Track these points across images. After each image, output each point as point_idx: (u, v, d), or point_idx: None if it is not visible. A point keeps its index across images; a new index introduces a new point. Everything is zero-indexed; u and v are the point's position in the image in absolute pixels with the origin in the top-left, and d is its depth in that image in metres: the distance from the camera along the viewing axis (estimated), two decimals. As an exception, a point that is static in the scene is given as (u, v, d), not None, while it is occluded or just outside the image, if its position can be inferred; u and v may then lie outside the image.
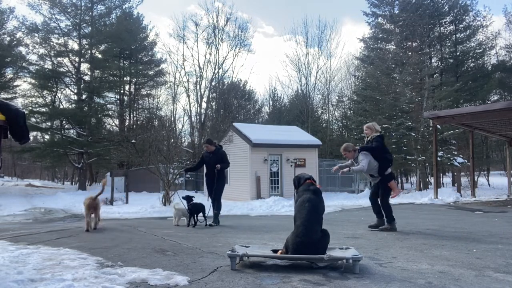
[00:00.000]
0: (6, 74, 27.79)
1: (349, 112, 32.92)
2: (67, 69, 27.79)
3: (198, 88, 31.61)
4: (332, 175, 21.51)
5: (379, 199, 6.11)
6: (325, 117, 36.55)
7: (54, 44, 27.62)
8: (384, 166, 5.98)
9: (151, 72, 34.83)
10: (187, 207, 7.07)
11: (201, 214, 7.09)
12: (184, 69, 36.31)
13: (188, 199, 7.12)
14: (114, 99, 32.73)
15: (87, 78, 28.72)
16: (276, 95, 40.64)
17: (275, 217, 9.94)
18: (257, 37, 71.94)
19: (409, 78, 24.39)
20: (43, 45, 27.36)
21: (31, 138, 18.89)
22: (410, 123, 21.82)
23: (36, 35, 27.44)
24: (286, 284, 2.78)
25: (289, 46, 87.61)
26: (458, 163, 19.91)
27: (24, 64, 27.56)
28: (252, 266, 3.34)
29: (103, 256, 3.85)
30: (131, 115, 35.39)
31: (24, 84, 29.52)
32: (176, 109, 35.75)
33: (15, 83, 28.92)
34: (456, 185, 19.07)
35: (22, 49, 28.54)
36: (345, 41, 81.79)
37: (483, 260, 3.68)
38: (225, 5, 57.51)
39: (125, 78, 32.76)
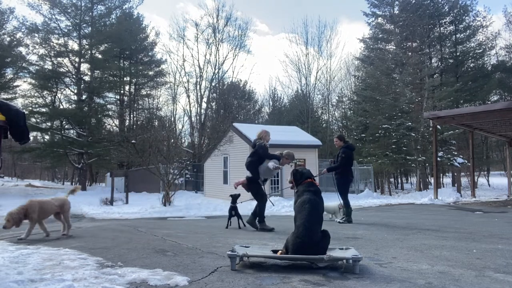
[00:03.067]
0: (6, 74, 27.81)
1: (349, 112, 32.94)
2: (67, 69, 27.81)
3: (198, 88, 31.69)
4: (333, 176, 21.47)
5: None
6: (325, 117, 36.59)
7: (54, 44, 27.65)
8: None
9: (151, 73, 34.86)
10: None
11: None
12: (184, 70, 36.46)
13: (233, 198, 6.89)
14: (114, 99, 32.76)
15: (87, 78, 28.74)
16: (276, 95, 40.71)
17: (275, 217, 9.96)
18: (251, 36, 71.93)
19: (409, 78, 24.41)
20: (43, 45, 27.38)
21: (31, 138, 18.89)
22: (410, 123, 21.83)
23: (36, 35, 27.47)
24: (286, 285, 2.78)
25: (289, 47, 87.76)
26: (458, 163, 19.92)
27: (24, 64, 27.59)
28: (252, 267, 3.34)
29: (103, 256, 3.85)
30: (131, 116, 35.41)
31: (24, 85, 29.61)
32: (176, 110, 35.84)
33: (15, 84, 28.97)
34: (456, 185, 19.09)
35: (22, 49, 28.60)
36: (345, 41, 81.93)
37: (483, 260, 3.68)
38: (225, 5, 57.49)
39: (125, 79, 32.79)
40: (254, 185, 6.70)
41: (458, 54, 29.01)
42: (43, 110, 28.16)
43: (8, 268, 3.20)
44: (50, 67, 27.47)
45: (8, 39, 27.79)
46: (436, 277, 3.01)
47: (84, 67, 28.87)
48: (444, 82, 27.03)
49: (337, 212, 7.88)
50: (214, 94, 34.79)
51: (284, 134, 18.90)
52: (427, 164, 23.34)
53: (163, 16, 78.60)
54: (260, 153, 6.59)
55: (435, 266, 3.41)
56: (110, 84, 30.22)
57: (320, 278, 2.95)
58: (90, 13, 28.49)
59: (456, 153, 21.55)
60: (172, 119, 29.87)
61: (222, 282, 2.84)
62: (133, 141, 16.65)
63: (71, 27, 28.15)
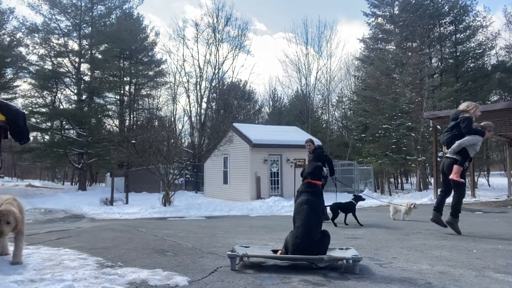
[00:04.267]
0: (6, 74, 27.83)
1: (349, 113, 32.94)
2: (67, 69, 27.82)
3: (198, 88, 31.68)
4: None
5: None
6: (325, 118, 36.58)
7: (54, 44, 27.65)
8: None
9: (151, 73, 34.87)
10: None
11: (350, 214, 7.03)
12: (184, 70, 36.38)
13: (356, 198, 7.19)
14: (114, 99, 32.78)
15: (87, 78, 28.74)
16: (276, 95, 40.72)
17: (275, 217, 9.96)
18: (251, 36, 71.74)
19: (409, 78, 24.40)
20: (43, 45, 27.39)
21: (31, 138, 18.88)
22: (410, 123, 21.82)
23: (36, 35, 27.48)
24: (286, 285, 2.78)
25: (289, 47, 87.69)
26: (458, 163, 19.88)
27: (24, 64, 27.61)
28: (252, 267, 3.34)
29: (103, 256, 3.85)
30: (131, 116, 35.42)
31: (24, 85, 29.60)
32: (176, 110, 35.88)
33: (15, 84, 29.00)
34: (456, 185, 19.05)
35: (22, 49, 28.62)
36: (345, 41, 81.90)
37: (483, 260, 3.68)
38: (225, 5, 57.43)
39: (125, 79, 32.80)
40: (457, 167, 5.51)
41: (458, 54, 29.01)
42: (43, 110, 28.17)
43: (8, 268, 3.21)
44: (50, 67, 27.48)
45: (8, 39, 27.83)
46: (436, 277, 3.01)
47: (84, 67, 28.89)
48: (444, 82, 27.02)
49: (408, 212, 7.82)
50: (214, 94, 34.79)
51: (284, 134, 18.92)
52: (427, 164, 23.34)
53: (162, 16, 78.65)
54: (461, 127, 5.49)
55: (435, 266, 3.41)
56: (110, 84, 30.23)
57: (320, 278, 2.95)
58: (90, 13, 28.49)
59: (456, 153, 21.51)
60: (172, 119, 29.91)
61: (222, 282, 2.84)
62: (133, 141, 16.67)
63: (71, 27, 28.16)
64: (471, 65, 29.55)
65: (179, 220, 9.36)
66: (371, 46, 32.14)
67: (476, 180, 21.22)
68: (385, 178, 25.85)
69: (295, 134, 19.43)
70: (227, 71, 34.52)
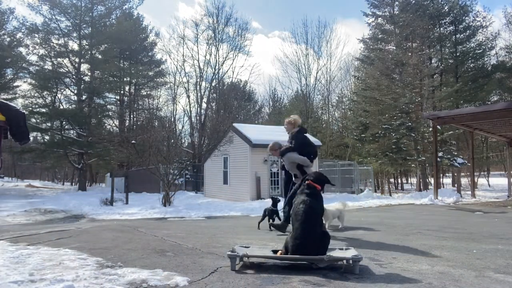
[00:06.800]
0: (6, 74, 27.86)
1: (349, 113, 32.95)
2: (67, 69, 27.84)
3: (198, 88, 31.69)
4: (333, 176, 21.46)
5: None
6: (325, 118, 36.59)
7: (54, 44, 27.67)
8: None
9: (151, 73, 34.90)
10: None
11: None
12: (184, 70, 36.36)
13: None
14: (114, 99, 32.81)
15: (87, 78, 28.76)
16: (276, 95, 40.77)
17: (275, 217, 9.92)
18: (250, 37, 71.69)
19: (409, 78, 24.39)
20: (43, 45, 27.41)
21: (31, 138, 18.89)
22: (410, 123, 21.82)
23: (36, 35, 27.50)
24: (286, 285, 2.78)
25: (289, 47, 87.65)
26: (458, 163, 19.91)
27: (24, 64, 27.64)
28: (252, 267, 3.34)
29: (103, 256, 3.85)
30: (131, 116, 35.44)
31: (24, 85, 29.63)
32: (176, 110, 35.83)
33: (15, 84, 29.07)
34: (456, 185, 19.08)
35: (22, 49, 28.67)
36: (345, 41, 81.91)
37: (483, 260, 3.68)
38: (225, 5, 57.38)
39: (125, 79, 32.81)
40: None
41: (458, 54, 28.99)
42: (43, 110, 28.19)
43: (8, 268, 3.21)
44: (50, 68, 27.50)
45: (8, 39, 27.87)
46: (436, 278, 3.01)
47: (84, 67, 28.91)
48: (444, 83, 27.01)
49: (341, 216, 6.85)
50: (214, 95, 34.81)
51: (284, 135, 18.88)
52: (427, 165, 23.35)
53: (156, 14, 78.53)
54: None
55: (435, 266, 3.41)
56: (110, 84, 30.26)
57: (320, 279, 2.95)
58: (90, 14, 28.51)
59: (456, 153, 21.54)
60: (172, 119, 29.93)
61: (222, 283, 2.84)
62: (133, 142, 16.68)
63: (71, 28, 28.19)
64: (471, 65, 29.51)
65: (179, 220, 9.35)
66: (371, 46, 32.12)
67: (476, 180, 21.23)
68: (385, 178, 25.86)
69: (295, 134, 19.42)
70: (227, 72, 34.50)
